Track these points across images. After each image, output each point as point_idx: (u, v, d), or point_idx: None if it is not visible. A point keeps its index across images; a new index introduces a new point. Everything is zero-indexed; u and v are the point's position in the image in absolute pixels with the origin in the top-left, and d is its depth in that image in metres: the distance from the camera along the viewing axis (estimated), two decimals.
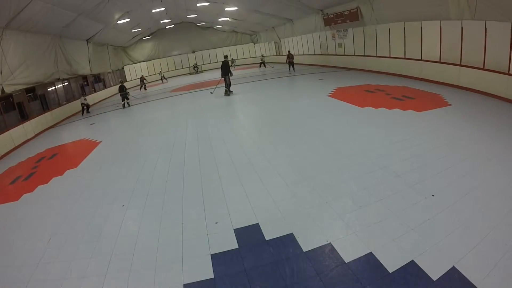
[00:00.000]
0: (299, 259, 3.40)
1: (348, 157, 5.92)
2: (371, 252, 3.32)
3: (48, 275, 3.84)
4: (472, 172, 4.80)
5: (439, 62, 11.12)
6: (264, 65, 26.16)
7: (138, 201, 5.47)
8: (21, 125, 13.17)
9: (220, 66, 15.00)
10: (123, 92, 17.41)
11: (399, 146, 6.13)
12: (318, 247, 3.54)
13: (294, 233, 3.84)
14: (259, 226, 4.12)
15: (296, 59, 23.72)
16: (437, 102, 8.74)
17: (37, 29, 13.82)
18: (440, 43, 10.96)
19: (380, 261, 3.20)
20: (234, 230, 4.11)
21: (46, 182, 7.28)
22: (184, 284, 3.32)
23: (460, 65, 10.08)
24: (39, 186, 7.12)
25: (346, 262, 3.25)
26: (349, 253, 3.36)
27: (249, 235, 3.97)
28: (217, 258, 3.63)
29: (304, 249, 3.54)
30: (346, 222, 3.93)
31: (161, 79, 30.14)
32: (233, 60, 31.42)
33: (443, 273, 2.96)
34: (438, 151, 5.65)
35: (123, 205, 5.35)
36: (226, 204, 4.84)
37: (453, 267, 3.01)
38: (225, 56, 15.21)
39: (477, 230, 3.47)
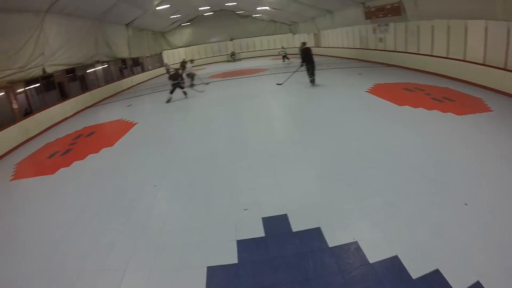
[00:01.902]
0: (323, 254, 3.41)
1: (383, 156, 5.76)
2: (396, 256, 3.25)
3: (77, 245, 4.07)
4: (510, 184, 4.43)
5: (483, 64, 10.31)
6: (287, 58, 24.90)
7: (170, 182, 5.63)
8: (60, 104, 13.86)
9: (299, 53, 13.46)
10: (176, 81, 13.77)
11: (436, 148, 5.86)
12: (344, 244, 3.52)
13: (321, 228, 3.82)
14: (287, 217, 4.12)
15: (335, 52, 23.05)
16: (478, 107, 8.19)
17: (78, 14, 14.36)
18: (485, 44, 10.16)
19: (405, 265, 3.12)
20: (262, 218, 4.13)
21: (82, 159, 7.64)
22: (207, 267, 3.39)
23: (505, 69, 9.30)
24: (75, 162, 7.49)
25: (370, 262, 3.21)
26: (374, 254, 3.31)
27: (276, 225, 3.99)
28: (242, 244, 3.69)
29: (330, 245, 3.53)
30: (375, 221, 3.85)
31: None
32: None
33: (467, 287, 2.82)
34: (476, 158, 5.33)
35: (155, 185, 5.50)
36: (256, 192, 4.86)
37: (478, 281, 2.85)
38: (304, 43, 13.33)
39: (509, 246, 3.25)
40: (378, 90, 10.99)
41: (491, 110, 7.85)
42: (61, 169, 7.11)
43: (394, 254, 3.26)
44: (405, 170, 5.09)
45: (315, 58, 12.78)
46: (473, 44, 10.77)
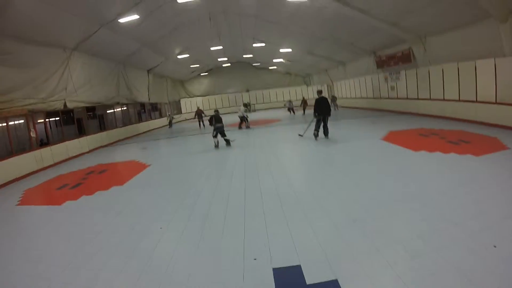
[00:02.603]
0: None
1: (402, 202, 5.34)
2: None
3: (74, 280, 3.82)
4: None
5: (495, 103, 10.24)
6: (293, 111, 24.53)
7: (177, 225, 5.30)
8: (77, 139, 14.26)
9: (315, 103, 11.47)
10: (220, 125, 12.18)
11: (457, 191, 5.47)
12: None
13: (339, 280, 3.39)
14: (300, 268, 3.70)
15: (347, 103, 23.43)
16: (495, 146, 7.95)
17: (103, 55, 15.37)
18: (495, 82, 10.16)
19: None
20: (273, 269, 3.73)
21: (91, 194, 7.53)
22: None
23: None
24: (83, 196, 7.38)
25: None
26: None
27: (288, 277, 3.57)
28: None
29: None
30: (398, 272, 3.40)
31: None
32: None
33: None
34: (501, 198, 4.97)
35: (161, 228, 5.20)
36: (268, 240, 4.48)
37: None
38: (320, 92, 11.81)
39: None
40: (393, 137, 10.78)
41: (508, 148, 7.62)
42: (68, 202, 7.05)
43: None
44: (427, 215, 4.71)
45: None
46: (484, 83, 10.79)
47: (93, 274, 3.87)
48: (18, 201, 7.63)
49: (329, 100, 13.32)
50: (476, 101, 11.26)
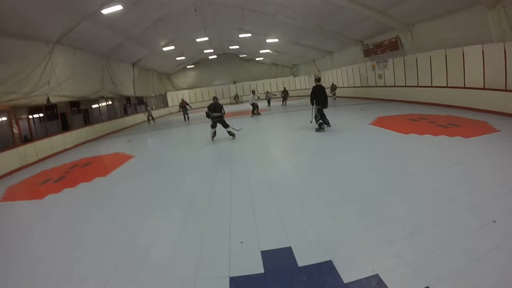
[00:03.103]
0: None
1: (395, 181, 5.30)
2: (428, 287, 2.72)
3: (49, 273, 3.69)
4: None
5: (483, 88, 10.38)
6: (269, 103, 24.27)
7: (160, 212, 5.19)
8: (61, 135, 13.89)
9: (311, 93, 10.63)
10: (218, 114, 10.92)
11: (450, 171, 5.49)
12: (363, 278, 2.96)
13: (333, 261, 3.26)
14: (291, 249, 3.57)
15: (336, 92, 23.41)
16: (484, 129, 8.08)
17: (86, 48, 14.91)
18: (483, 68, 10.29)
19: None
20: (261, 252, 3.59)
21: (73, 186, 7.47)
22: None
23: (506, 90, 9.32)
24: (66, 189, 7.32)
25: None
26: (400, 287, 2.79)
27: (278, 259, 3.43)
28: (236, 282, 3.13)
29: (345, 280, 2.97)
30: (397, 250, 3.31)
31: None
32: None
33: None
34: (494, 176, 5.01)
35: (143, 215, 5.09)
36: (255, 222, 4.35)
37: None
38: (318, 79, 10.70)
39: None
40: (381, 122, 10.89)
41: (498, 131, 7.73)
42: (50, 195, 6.94)
43: (425, 286, 2.76)
44: (423, 193, 4.69)
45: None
46: (472, 69, 10.91)
47: (69, 267, 3.74)
48: (1, 198, 7.42)
49: (329, 90, 13.14)
50: (464, 87, 11.40)
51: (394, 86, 16.84)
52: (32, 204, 6.66)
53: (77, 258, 3.94)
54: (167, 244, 4.09)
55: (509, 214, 3.73)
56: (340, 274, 3.05)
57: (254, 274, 3.20)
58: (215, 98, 11.58)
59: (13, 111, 10.92)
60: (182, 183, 6.76)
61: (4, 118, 11.12)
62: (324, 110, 10.47)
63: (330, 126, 10.80)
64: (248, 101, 20.10)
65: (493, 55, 9.82)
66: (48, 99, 12.60)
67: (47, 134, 13.04)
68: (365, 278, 2.95)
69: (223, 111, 11.00)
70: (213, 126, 11.00)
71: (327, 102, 10.36)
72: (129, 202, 5.92)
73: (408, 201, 4.47)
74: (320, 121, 10.39)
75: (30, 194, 7.40)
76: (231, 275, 3.23)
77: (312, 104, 10.47)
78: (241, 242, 3.83)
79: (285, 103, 23.95)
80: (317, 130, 10.40)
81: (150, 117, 22.83)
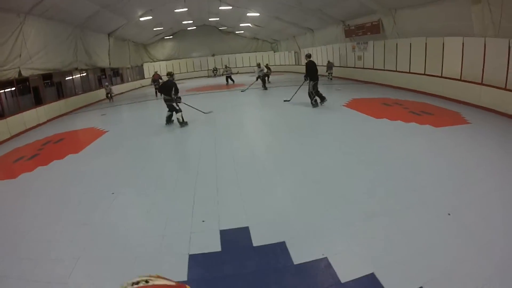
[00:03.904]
0: (287, 272, 3.05)
1: (359, 166, 5.59)
2: (373, 273, 2.89)
3: (26, 253, 3.73)
4: (491, 193, 4.36)
5: (460, 80, 10.75)
6: (231, 80, 23.21)
7: (129, 190, 5.38)
8: (34, 109, 13.35)
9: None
10: (168, 98, 9.49)
11: (415, 159, 5.81)
12: (312, 261, 3.15)
13: (286, 242, 3.47)
14: (248, 230, 3.80)
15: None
16: (456, 120, 8.44)
17: (59, 18, 14.08)
18: (461, 60, 10.60)
19: (383, 285, 2.76)
20: (220, 231, 3.83)
21: (46, 164, 7.43)
22: None
23: (482, 84, 9.70)
24: (39, 167, 7.27)
25: (342, 282, 2.84)
26: (346, 272, 2.95)
27: (235, 239, 3.67)
28: (195, 259, 3.34)
29: (295, 261, 3.16)
30: (348, 235, 3.54)
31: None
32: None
33: None
34: (456, 169, 5.28)
35: (112, 193, 5.24)
36: (217, 202, 4.60)
37: None
38: (309, 55, 11.24)
39: (496, 260, 2.99)
40: (355, 104, 11.15)
41: (468, 123, 8.09)
42: (23, 174, 6.86)
43: (370, 272, 2.91)
44: (385, 180, 4.90)
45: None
46: (450, 60, 11.21)
47: (45, 246, 3.83)
48: None
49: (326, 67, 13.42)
50: (441, 77, 11.72)
51: (373, 69, 17.08)
52: (5, 184, 6.53)
53: (51, 237, 4.02)
54: (136, 221, 4.30)
55: (464, 209, 3.93)
56: (291, 255, 3.27)
57: (211, 252, 3.45)
58: (169, 74, 9.88)
59: None
60: (152, 160, 6.98)
61: None
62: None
63: (326, 100, 11.24)
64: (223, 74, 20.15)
65: (473, 49, 10.03)
66: (19, 73, 11.99)
67: (19, 109, 12.50)
68: (315, 260, 3.16)
69: (173, 94, 9.29)
70: (169, 110, 9.81)
71: (316, 78, 10.94)
72: (100, 179, 6.05)
73: (369, 186, 4.72)
74: (315, 98, 11.10)
75: (3, 174, 7.23)
76: (190, 253, 3.46)
77: (306, 79, 11.05)
78: (203, 221, 4.08)
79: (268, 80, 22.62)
80: (313, 106, 11.14)
81: (110, 94, 19.92)
